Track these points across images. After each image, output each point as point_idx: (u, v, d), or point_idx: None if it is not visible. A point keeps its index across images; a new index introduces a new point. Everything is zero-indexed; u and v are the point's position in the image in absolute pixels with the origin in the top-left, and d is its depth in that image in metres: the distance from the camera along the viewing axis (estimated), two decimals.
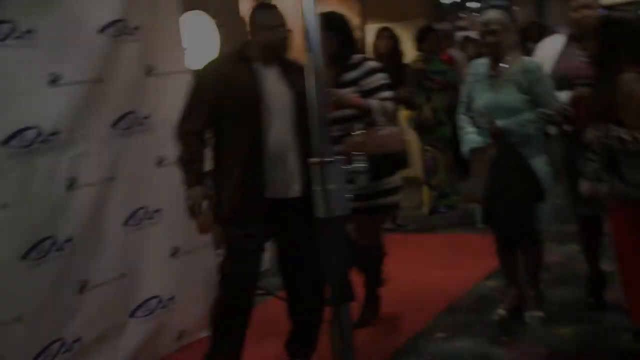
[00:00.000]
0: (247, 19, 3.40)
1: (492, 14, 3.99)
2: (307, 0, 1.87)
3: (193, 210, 3.23)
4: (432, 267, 5.35)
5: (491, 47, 3.94)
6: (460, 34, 11.03)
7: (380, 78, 3.93)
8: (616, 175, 3.08)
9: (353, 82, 3.89)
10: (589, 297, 4.17)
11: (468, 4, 17.78)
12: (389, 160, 3.68)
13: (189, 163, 3.26)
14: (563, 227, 5.12)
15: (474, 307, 4.42)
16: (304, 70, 2.00)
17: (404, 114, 6.80)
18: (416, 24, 7.70)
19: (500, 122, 3.80)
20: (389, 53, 6.49)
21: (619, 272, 3.46)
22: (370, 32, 7.02)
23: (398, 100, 6.41)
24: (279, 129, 3.26)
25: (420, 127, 6.81)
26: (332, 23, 3.83)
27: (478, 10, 17.50)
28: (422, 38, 6.89)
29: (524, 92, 3.84)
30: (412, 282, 4.98)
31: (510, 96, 3.85)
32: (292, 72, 3.29)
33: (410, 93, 6.48)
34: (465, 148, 4.02)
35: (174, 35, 4.08)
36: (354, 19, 7.27)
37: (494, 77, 3.95)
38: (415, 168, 7.11)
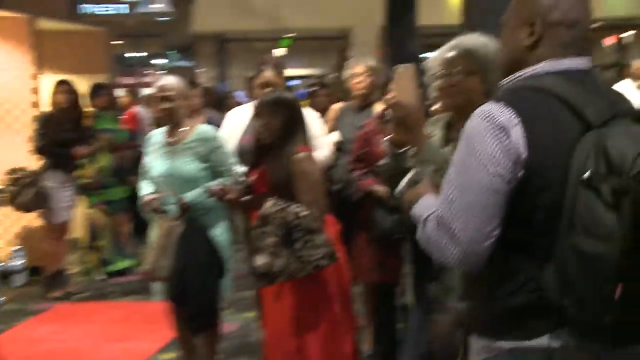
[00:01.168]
0: None
1: (168, 80, 3.88)
2: None
3: None
4: (104, 340, 4.97)
5: (166, 114, 3.82)
6: (146, 91, 10.84)
7: None
8: (290, 251, 3.06)
9: None
10: None
11: (153, 61, 17.78)
12: None
13: None
14: (241, 294, 5.10)
15: None
16: None
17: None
18: (99, 78, 7.34)
19: (186, 195, 3.68)
20: (68, 108, 6.03)
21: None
22: (46, 83, 6.47)
23: (72, 158, 5.99)
24: None
25: (83, 189, 6.37)
26: None
27: (164, 67, 17.60)
28: (95, 94, 6.65)
29: (202, 161, 3.76)
30: (80, 358, 4.57)
31: (187, 165, 3.74)
32: None
33: (88, 150, 6.06)
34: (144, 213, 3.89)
35: None
36: (28, 67, 6.67)
37: (171, 144, 3.82)
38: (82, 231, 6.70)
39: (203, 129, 3.87)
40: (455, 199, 1.66)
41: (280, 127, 3.32)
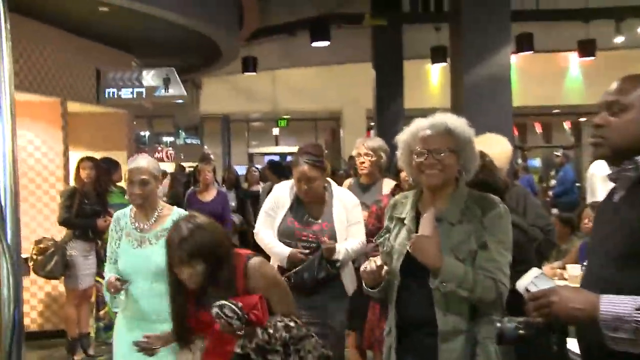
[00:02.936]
0: None
1: (143, 162, 3.22)
2: None
3: None
4: None
5: (138, 198, 3.18)
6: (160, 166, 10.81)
7: None
8: None
9: None
10: None
11: (164, 138, 17.79)
12: None
13: None
14: None
15: None
16: None
17: None
18: (120, 155, 7.28)
19: None
20: (91, 182, 5.92)
21: None
22: (73, 160, 6.39)
23: (97, 230, 5.84)
24: None
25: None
26: None
27: (173, 143, 17.62)
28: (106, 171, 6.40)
29: None
30: None
31: (163, 255, 2.70)
32: None
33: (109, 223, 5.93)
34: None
35: None
36: (57, 145, 6.61)
37: (143, 230, 3.23)
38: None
39: (180, 214, 3.19)
40: None
41: (207, 268, 2.57)
